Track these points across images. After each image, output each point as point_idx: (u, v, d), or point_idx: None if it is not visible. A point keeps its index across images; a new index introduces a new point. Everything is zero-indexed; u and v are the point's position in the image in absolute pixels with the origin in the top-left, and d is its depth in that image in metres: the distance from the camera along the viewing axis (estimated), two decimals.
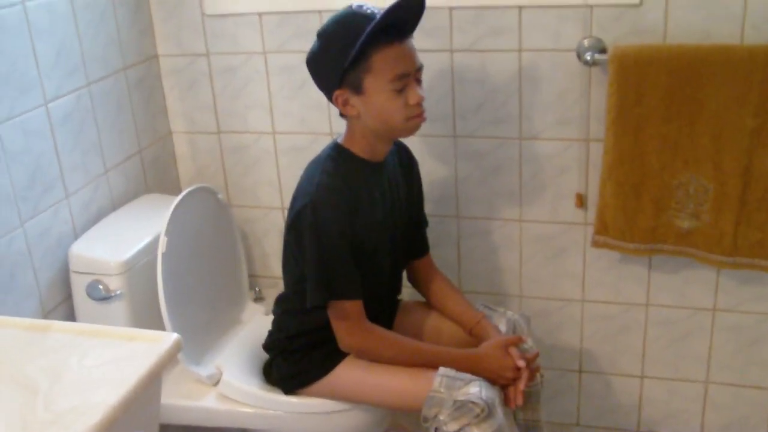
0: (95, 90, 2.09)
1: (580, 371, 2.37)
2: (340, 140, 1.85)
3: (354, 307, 1.79)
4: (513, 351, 1.81)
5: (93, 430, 1.06)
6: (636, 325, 2.27)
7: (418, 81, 1.76)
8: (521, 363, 1.79)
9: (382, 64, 1.70)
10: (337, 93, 1.76)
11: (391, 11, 1.66)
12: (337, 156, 1.82)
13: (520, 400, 1.78)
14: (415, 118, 1.75)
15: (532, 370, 1.83)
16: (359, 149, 1.82)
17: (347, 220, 1.76)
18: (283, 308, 1.97)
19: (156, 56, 2.35)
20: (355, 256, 1.79)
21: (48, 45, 1.91)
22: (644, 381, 2.33)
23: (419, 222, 2.05)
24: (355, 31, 1.67)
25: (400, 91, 1.72)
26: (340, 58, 1.70)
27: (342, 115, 1.81)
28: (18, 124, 1.82)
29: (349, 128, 1.83)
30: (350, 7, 1.74)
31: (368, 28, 1.66)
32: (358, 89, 1.74)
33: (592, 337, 2.32)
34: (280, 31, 2.22)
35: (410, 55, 1.73)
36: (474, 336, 1.93)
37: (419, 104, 1.74)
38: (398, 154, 1.96)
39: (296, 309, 1.88)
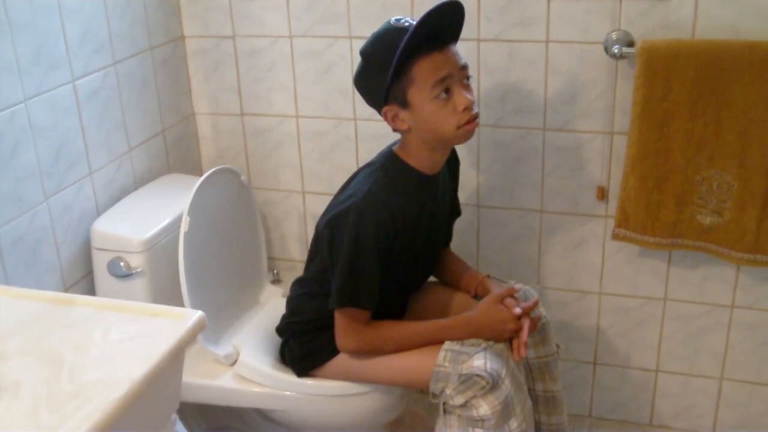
0: (121, 69, 2.10)
1: (595, 363, 2.38)
2: (395, 148, 1.83)
3: (363, 315, 1.80)
4: (508, 302, 1.80)
5: (118, 404, 1.06)
6: (653, 320, 2.27)
7: (465, 85, 1.72)
8: (518, 311, 1.76)
9: (423, 74, 1.68)
10: (385, 109, 1.75)
11: (423, 23, 1.64)
12: (392, 167, 1.80)
13: (524, 351, 1.76)
14: (466, 125, 1.71)
15: (534, 319, 1.81)
16: (415, 161, 1.80)
17: (387, 237, 1.75)
18: (300, 291, 1.98)
19: (182, 37, 2.36)
20: (392, 264, 1.80)
21: (77, 23, 1.92)
22: (659, 375, 2.33)
23: (452, 217, 2.04)
24: (393, 46, 1.65)
25: (447, 99, 1.69)
26: (382, 74, 1.69)
27: (395, 130, 1.80)
28: (46, 100, 1.84)
29: (408, 139, 1.80)
30: (389, 21, 1.73)
31: (402, 42, 1.64)
32: (404, 103, 1.72)
33: (609, 329, 2.32)
34: (306, 16, 2.22)
35: (450, 59, 1.69)
36: (479, 298, 1.92)
37: (469, 108, 1.70)
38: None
39: (315, 293, 1.89)
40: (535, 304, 1.83)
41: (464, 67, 1.71)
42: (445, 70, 1.68)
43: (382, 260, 1.76)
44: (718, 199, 1.97)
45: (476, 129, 1.75)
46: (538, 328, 1.86)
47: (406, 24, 1.69)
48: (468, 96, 1.70)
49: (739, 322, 2.19)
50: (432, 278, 2.07)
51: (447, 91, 1.69)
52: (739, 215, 1.96)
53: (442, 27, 1.70)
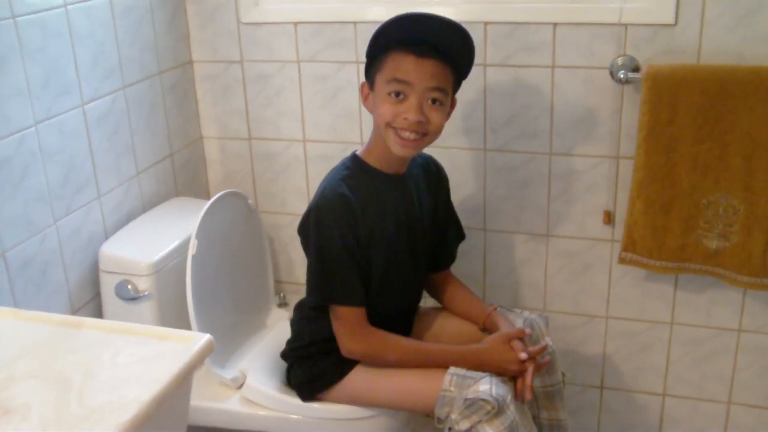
0: (130, 93, 2.12)
1: (602, 387, 2.37)
2: (358, 152, 1.87)
3: (354, 313, 1.80)
4: (515, 344, 1.79)
5: (126, 426, 1.07)
6: (660, 344, 2.26)
7: (431, 106, 1.73)
8: (523, 356, 1.75)
9: (389, 65, 1.72)
10: (362, 83, 1.83)
11: (413, 19, 1.71)
12: (352, 166, 1.85)
13: (528, 395, 1.75)
14: (395, 131, 1.73)
15: (539, 364, 1.80)
16: (375, 159, 1.83)
17: (349, 227, 1.76)
18: (300, 315, 1.99)
19: (191, 62, 2.38)
20: (364, 266, 1.81)
21: (87, 48, 1.94)
22: (666, 399, 2.32)
23: (446, 236, 2.04)
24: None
25: (399, 102, 1.72)
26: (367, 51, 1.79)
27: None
28: (55, 124, 1.85)
29: (371, 135, 1.85)
30: (421, 11, 1.76)
31: (380, 27, 1.72)
32: (372, 85, 1.79)
33: (615, 353, 2.32)
34: (314, 41, 2.24)
35: (422, 71, 1.70)
36: (486, 331, 1.92)
37: (407, 120, 1.71)
38: (426, 168, 1.96)
39: (312, 315, 1.90)
40: (543, 350, 1.82)
41: (434, 89, 1.72)
42: (408, 75, 1.70)
43: (352, 255, 1.77)
44: (724, 223, 1.97)
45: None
46: (543, 369, 1.86)
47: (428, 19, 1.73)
48: (416, 113, 1.71)
49: (747, 346, 2.18)
50: (438, 305, 2.08)
51: (403, 96, 1.72)
52: (745, 239, 1.96)
53: (438, 40, 1.72)
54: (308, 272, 1.81)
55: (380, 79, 1.75)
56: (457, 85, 1.80)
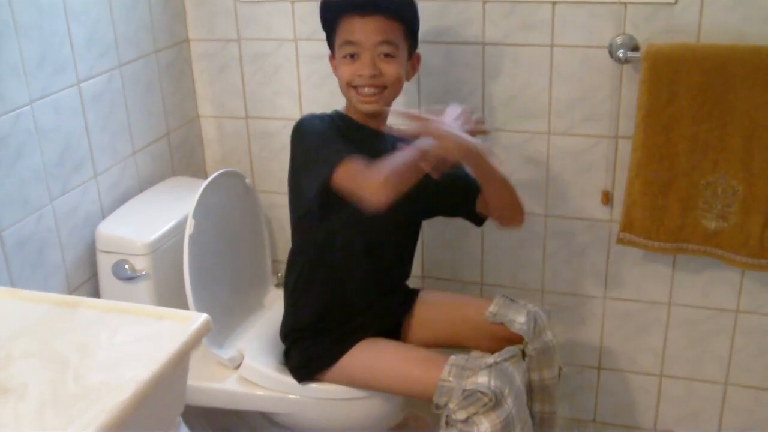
0: (126, 72, 2.10)
1: (599, 368, 2.37)
2: (341, 108, 1.94)
3: (354, 164, 1.70)
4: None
5: (123, 406, 1.06)
6: (657, 324, 2.26)
7: (383, 59, 1.81)
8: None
9: (340, 31, 1.84)
10: (329, 55, 1.94)
11: None
12: (335, 116, 1.92)
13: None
14: (356, 90, 1.83)
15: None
16: (353, 113, 1.90)
17: (331, 122, 1.86)
18: (288, 291, 2.00)
19: (187, 40, 2.36)
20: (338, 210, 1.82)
21: (83, 26, 1.93)
22: (663, 380, 2.33)
23: (456, 176, 1.93)
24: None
25: (355, 60, 1.82)
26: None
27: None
28: (51, 102, 1.84)
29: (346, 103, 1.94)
30: None
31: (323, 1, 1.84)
32: (333, 53, 1.90)
33: (613, 334, 2.32)
34: (311, 20, 2.22)
35: (367, 28, 1.80)
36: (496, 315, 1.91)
37: (364, 77, 1.80)
38: (402, 139, 1.96)
39: (304, 288, 1.93)
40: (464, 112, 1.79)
41: (382, 42, 1.80)
42: (355, 36, 1.81)
43: (333, 134, 1.82)
44: (723, 204, 1.97)
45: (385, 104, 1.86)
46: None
47: None
48: (369, 67, 1.80)
49: (744, 326, 2.19)
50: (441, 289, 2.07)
51: (356, 55, 1.82)
52: (743, 220, 1.96)
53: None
54: (303, 172, 1.83)
55: (336, 44, 1.87)
56: (410, 37, 1.87)
